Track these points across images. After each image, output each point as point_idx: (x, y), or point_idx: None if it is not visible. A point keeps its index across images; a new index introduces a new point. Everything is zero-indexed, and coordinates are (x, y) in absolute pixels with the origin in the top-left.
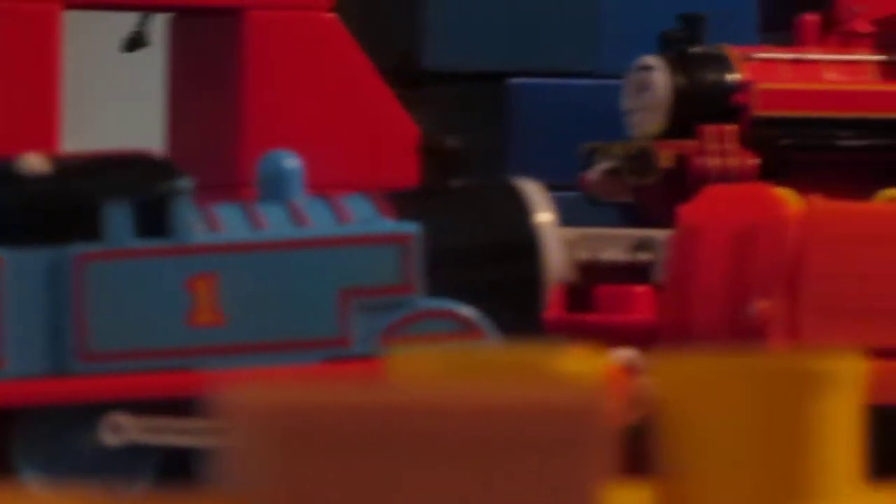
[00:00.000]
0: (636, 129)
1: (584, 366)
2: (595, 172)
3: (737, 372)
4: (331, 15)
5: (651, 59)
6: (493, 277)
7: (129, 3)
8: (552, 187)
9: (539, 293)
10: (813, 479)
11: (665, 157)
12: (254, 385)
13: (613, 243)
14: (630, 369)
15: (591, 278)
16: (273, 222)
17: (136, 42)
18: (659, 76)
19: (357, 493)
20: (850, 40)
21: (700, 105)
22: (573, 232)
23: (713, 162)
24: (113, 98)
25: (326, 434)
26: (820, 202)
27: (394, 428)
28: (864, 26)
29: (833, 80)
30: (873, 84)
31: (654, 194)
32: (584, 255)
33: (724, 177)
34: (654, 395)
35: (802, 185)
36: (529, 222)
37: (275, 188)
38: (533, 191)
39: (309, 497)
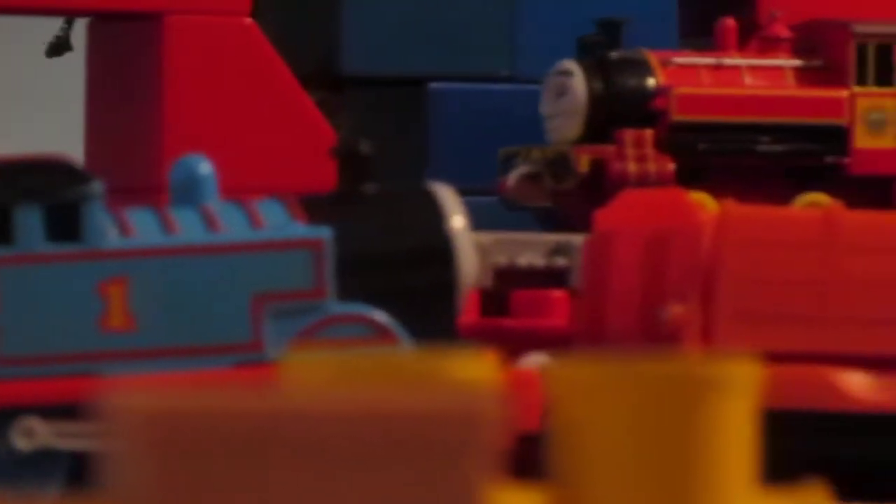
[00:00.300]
0: (554, 135)
1: (481, 371)
2: (513, 177)
3: (627, 378)
4: (249, 20)
5: (569, 64)
6: (407, 283)
7: (46, 8)
8: (472, 192)
9: (452, 298)
10: (706, 485)
11: (583, 162)
12: (136, 390)
13: (530, 248)
14: (542, 374)
15: (508, 283)
16: (186, 227)
17: (59, 47)
18: (576, 81)
19: (234, 499)
20: (769, 45)
21: (618, 110)
22: (490, 237)
23: (631, 167)
24: (33, 102)
25: (203, 439)
26: (734, 207)
27: (271, 433)
28: (783, 31)
29: (752, 86)
30: (792, 89)
31: (573, 199)
32: (500, 259)
33: (642, 182)
34: (547, 401)
35: (721, 190)
36: (442, 227)
37: (188, 193)
38: (446, 196)
39: (184, 502)
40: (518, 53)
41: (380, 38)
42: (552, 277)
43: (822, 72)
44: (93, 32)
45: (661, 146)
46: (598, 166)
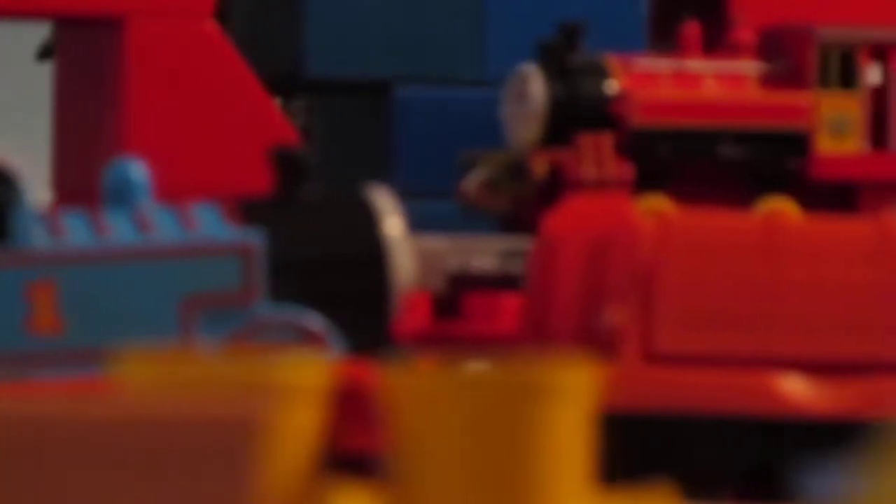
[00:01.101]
0: (514, 139)
1: (309, 378)
2: (471, 182)
3: (459, 384)
4: (211, 24)
5: (528, 69)
6: (340, 287)
7: (11, 12)
8: (436, 195)
9: (386, 303)
10: (537, 488)
11: (540, 166)
12: None
13: (484, 252)
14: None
15: (461, 287)
16: (117, 230)
17: (49, 51)
18: (535, 85)
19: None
20: (733, 50)
21: (577, 114)
22: (442, 241)
23: (589, 171)
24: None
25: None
26: (675, 213)
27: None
28: (747, 37)
29: (713, 91)
30: (754, 94)
31: (531, 204)
32: (453, 264)
33: (601, 186)
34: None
35: (682, 195)
36: (377, 233)
37: (121, 196)
38: (383, 201)
39: None
40: (485, 57)
41: (345, 41)
42: (505, 282)
43: (785, 77)
44: (60, 37)
45: (621, 151)
46: (555, 171)
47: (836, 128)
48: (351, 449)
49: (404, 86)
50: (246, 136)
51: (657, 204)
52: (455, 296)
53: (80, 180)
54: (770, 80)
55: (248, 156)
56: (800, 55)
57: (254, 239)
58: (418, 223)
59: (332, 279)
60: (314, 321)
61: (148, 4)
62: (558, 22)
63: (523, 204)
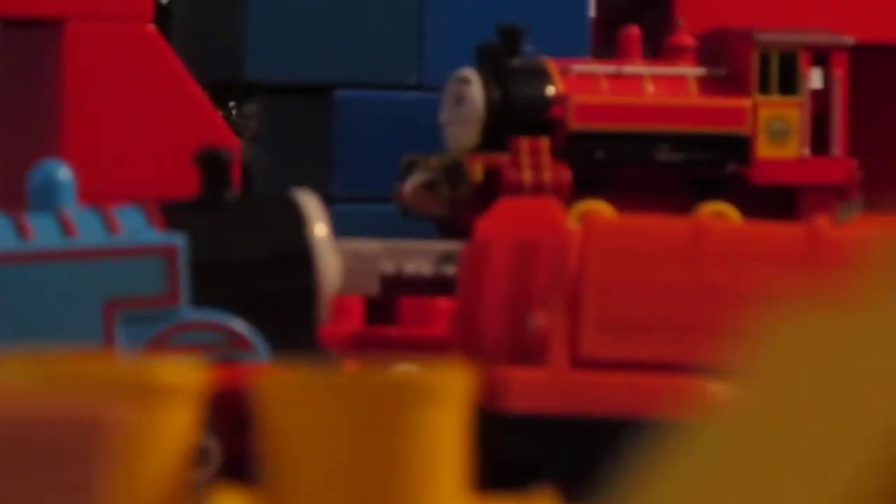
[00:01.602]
0: (452, 142)
1: (185, 378)
2: (409, 185)
3: (332, 386)
4: (151, 27)
5: (467, 72)
6: (265, 289)
7: None
8: (376, 199)
9: (311, 306)
10: (412, 492)
11: (476, 170)
12: None
13: (419, 256)
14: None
15: (395, 291)
16: (40, 232)
17: None
18: (473, 89)
19: None
20: (673, 54)
21: (514, 118)
22: (377, 244)
23: (525, 175)
24: None
25: None
26: (599, 217)
27: None
28: (687, 40)
29: (653, 94)
30: (693, 98)
31: (468, 207)
32: (388, 267)
33: (537, 190)
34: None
35: (620, 200)
36: (302, 235)
37: (45, 198)
38: (309, 204)
39: None
40: (424, 61)
41: (286, 45)
42: (440, 286)
43: (725, 81)
44: (1, 38)
45: (558, 155)
46: (492, 175)
47: (776, 132)
48: (230, 452)
49: (344, 88)
50: (184, 140)
51: (595, 208)
52: (389, 299)
53: (18, 183)
54: (710, 84)
55: (186, 160)
56: (740, 59)
57: (176, 241)
58: (359, 226)
59: (257, 281)
60: (238, 324)
61: (86, 7)
62: (501, 26)
63: (460, 208)
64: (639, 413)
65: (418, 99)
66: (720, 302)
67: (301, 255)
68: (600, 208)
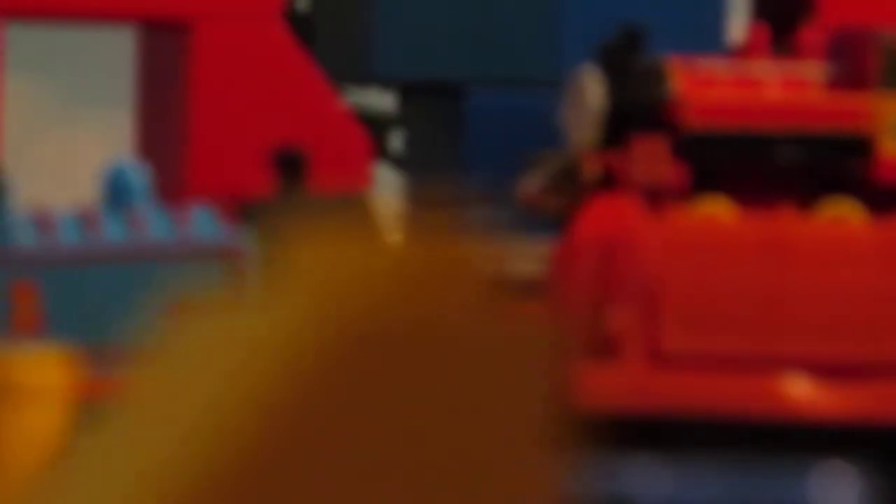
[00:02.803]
0: (571, 141)
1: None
2: (528, 185)
3: None
4: (280, 26)
5: (586, 71)
6: None
7: (80, 15)
8: (506, 199)
9: None
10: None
11: (592, 169)
12: None
13: (526, 257)
14: None
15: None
16: (108, 230)
17: None
18: (591, 87)
19: None
20: (802, 52)
21: (632, 117)
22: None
23: (642, 174)
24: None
25: None
26: (680, 218)
27: None
28: (811, 39)
29: (773, 94)
30: (814, 98)
31: (584, 206)
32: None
33: (654, 189)
34: None
35: (740, 198)
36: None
37: (118, 197)
38: (382, 202)
39: None
40: (560, 56)
41: (416, 41)
42: (533, 287)
43: (849, 79)
44: (138, 40)
45: (676, 154)
46: (609, 174)
47: None
48: None
49: (477, 90)
50: (312, 139)
51: (715, 207)
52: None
53: (158, 182)
54: (834, 83)
55: (315, 159)
56: (864, 57)
57: (242, 242)
58: (487, 226)
59: None
60: None
61: (214, 8)
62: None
63: (577, 207)
64: (717, 411)
65: (550, 100)
66: (798, 299)
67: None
68: (720, 207)
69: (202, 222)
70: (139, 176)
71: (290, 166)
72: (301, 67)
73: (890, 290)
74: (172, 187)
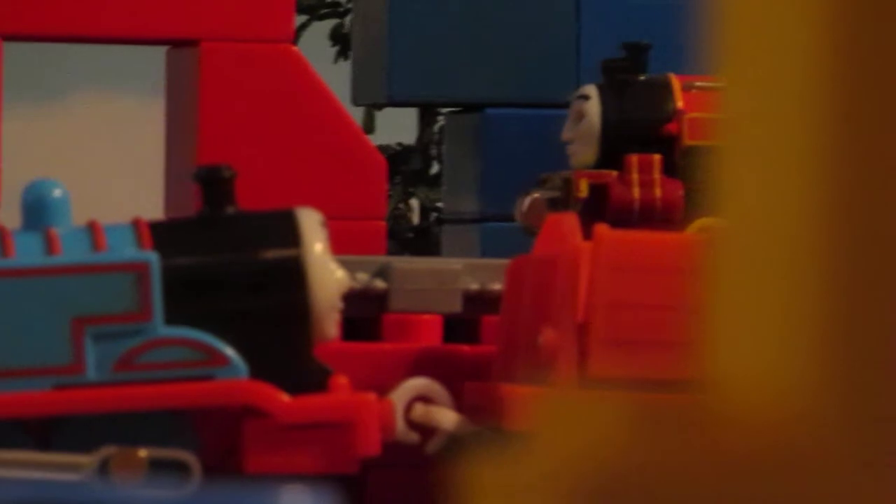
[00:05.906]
0: (573, 160)
1: None
2: (525, 202)
3: None
4: (292, 48)
5: (587, 89)
6: (253, 306)
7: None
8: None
9: (301, 323)
10: None
11: (582, 187)
12: None
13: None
14: (425, 398)
15: (477, 309)
16: (22, 250)
17: None
18: (591, 105)
19: None
20: None
21: (631, 135)
22: (458, 262)
23: (634, 192)
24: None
25: None
26: (608, 232)
27: None
28: None
29: None
30: None
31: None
32: (472, 285)
33: (647, 207)
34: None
35: None
36: (293, 250)
37: (37, 217)
38: (307, 220)
39: None
40: (579, 82)
41: (433, 63)
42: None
43: None
44: (168, 58)
45: (673, 171)
46: (599, 191)
47: None
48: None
49: (496, 108)
50: (328, 157)
51: (712, 224)
52: (471, 317)
53: (172, 197)
54: None
55: (329, 178)
56: None
57: (148, 257)
58: (507, 244)
59: (244, 297)
60: (211, 339)
61: (223, 29)
62: (653, 41)
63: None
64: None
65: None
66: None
67: (290, 271)
68: (715, 224)
69: (117, 240)
70: (59, 194)
71: (213, 184)
72: (315, 90)
73: None
74: (185, 207)
